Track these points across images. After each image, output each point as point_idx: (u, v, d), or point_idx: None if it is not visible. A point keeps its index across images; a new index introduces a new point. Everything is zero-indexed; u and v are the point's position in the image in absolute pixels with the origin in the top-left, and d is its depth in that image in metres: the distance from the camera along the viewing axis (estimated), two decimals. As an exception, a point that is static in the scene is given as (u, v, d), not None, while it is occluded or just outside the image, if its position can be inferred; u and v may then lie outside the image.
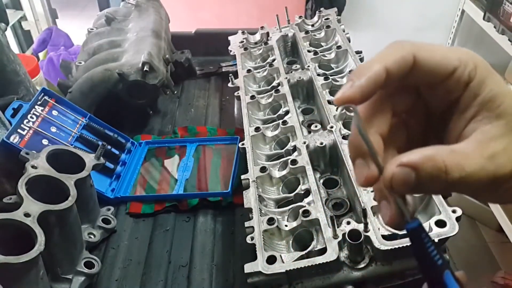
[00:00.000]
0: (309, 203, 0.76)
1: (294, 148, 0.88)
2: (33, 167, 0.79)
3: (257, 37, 1.29)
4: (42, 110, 1.01)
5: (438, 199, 0.68)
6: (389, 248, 0.64)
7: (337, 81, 1.03)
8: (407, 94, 0.38)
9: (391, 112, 0.37)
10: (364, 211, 0.67)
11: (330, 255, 0.65)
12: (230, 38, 1.31)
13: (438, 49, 0.35)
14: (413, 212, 0.35)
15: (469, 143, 0.34)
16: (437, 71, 0.35)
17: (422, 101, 0.39)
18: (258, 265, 0.66)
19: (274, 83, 1.08)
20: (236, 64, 1.20)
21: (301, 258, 0.67)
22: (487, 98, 0.34)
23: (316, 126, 0.93)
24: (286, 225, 0.74)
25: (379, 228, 0.67)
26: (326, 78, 1.02)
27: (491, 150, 0.33)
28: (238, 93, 1.07)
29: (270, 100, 1.03)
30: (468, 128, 0.35)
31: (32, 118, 0.98)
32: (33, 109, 0.99)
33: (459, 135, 0.36)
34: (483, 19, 2.15)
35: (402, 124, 0.40)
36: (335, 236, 0.67)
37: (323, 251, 0.67)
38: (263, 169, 0.84)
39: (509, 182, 0.33)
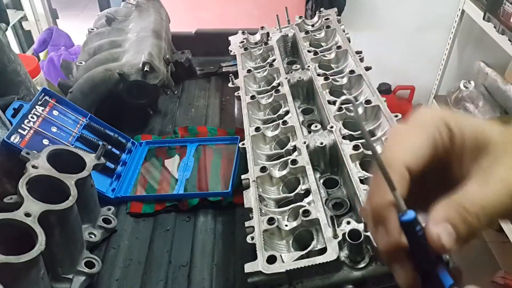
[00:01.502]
0: (309, 203, 0.76)
1: (294, 148, 0.88)
2: (33, 167, 0.79)
3: (257, 37, 1.29)
4: (42, 110, 1.01)
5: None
6: (389, 247, 0.64)
7: (337, 81, 1.03)
8: None
9: None
10: (364, 211, 0.67)
11: (330, 255, 0.65)
12: (230, 38, 1.31)
13: (407, 145, 0.39)
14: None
15: (472, 181, 0.38)
16: (421, 162, 0.39)
17: None
18: (258, 265, 0.66)
19: (274, 83, 1.08)
20: (236, 64, 1.20)
21: (301, 257, 0.67)
22: (472, 144, 0.39)
23: (316, 126, 0.93)
24: (286, 225, 0.74)
25: (379, 228, 0.67)
26: (326, 78, 1.02)
27: (496, 174, 0.37)
28: (238, 93, 1.07)
29: (270, 100, 1.03)
30: (468, 170, 0.39)
31: (33, 118, 0.98)
32: (34, 109, 0.99)
33: (463, 176, 0.39)
34: (483, 19, 2.15)
35: None
36: (335, 236, 0.67)
37: (323, 250, 0.67)
38: (263, 169, 0.84)
39: None
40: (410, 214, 0.35)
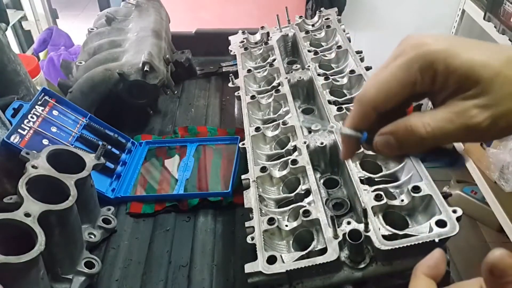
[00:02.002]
0: (309, 203, 0.75)
1: (295, 148, 0.88)
2: (33, 167, 0.79)
3: (258, 37, 1.29)
4: (42, 110, 1.01)
5: (438, 199, 0.68)
6: (390, 248, 0.63)
7: (338, 81, 1.02)
8: None
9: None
10: (364, 211, 0.67)
11: (330, 255, 0.65)
12: (230, 38, 1.31)
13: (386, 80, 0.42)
14: None
15: (439, 108, 0.40)
16: (393, 102, 0.42)
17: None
18: (259, 265, 0.66)
19: (275, 83, 1.08)
20: (236, 64, 1.20)
21: (302, 258, 0.67)
22: (460, 82, 0.39)
23: (316, 126, 0.93)
24: (286, 225, 0.74)
25: (379, 228, 0.67)
26: (326, 78, 1.02)
27: (461, 107, 0.39)
28: (238, 93, 1.07)
29: (270, 100, 1.03)
30: (445, 101, 0.41)
31: (33, 118, 0.98)
32: (34, 109, 0.99)
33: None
34: (484, 19, 2.15)
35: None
36: (335, 236, 0.67)
37: (323, 251, 0.67)
38: (263, 169, 0.84)
39: (488, 131, 0.38)
40: (364, 135, 0.44)
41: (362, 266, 0.67)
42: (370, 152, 0.82)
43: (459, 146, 2.26)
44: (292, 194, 0.80)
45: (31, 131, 0.96)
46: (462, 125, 0.38)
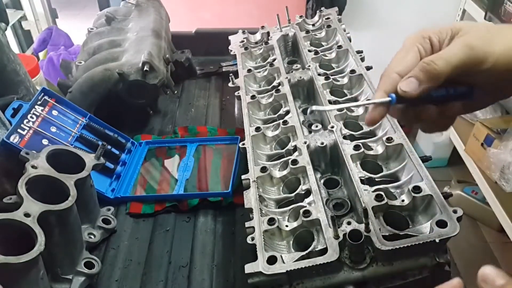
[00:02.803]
0: (309, 203, 0.75)
1: (295, 148, 0.87)
2: (33, 167, 0.79)
3: (258, 36, 1.28)
4: (42, 110, 1.01)
5: (439, 199, 0.68)
6: (390, 248, 0.63)
7: (338, 80, 1.02)
8: None
9: None
10: (365, 211, 0.66)
11: (331, 256, 0.65)
12: (230, 37, 1.30)
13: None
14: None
15: (444, 49, 0.54)
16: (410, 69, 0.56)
17: None
18: (259, 266, 0.66)
19: (275, 83, 1.08)
20: (236, 64, 1.20)
21: (302, 258, 0.67)
22: (449, 35, 0.55)
23: (316, 126, 0.93)
24: (286, 225, 0.74)
25: (380, 229, 0.67)
26: (326, 78, 1.02)
27: (466, 41, 0.52)
28: (238, 93, 1.07)
29: (270, 100, 1.03)
30: None
31: (32, 118, 0.98)
32: (33, 109, 0.99)
33: None
34: (484, 18, 2.14)
35: None
36: (336, 236, 0.67)
37: (324, 251, 0.66)
38: (263, 169, 0.84)
39: (484, 63, 0.52)
40: (391, 96, 0.53)
41: (362, 266, 0.66)
42: (371, 153, 0.83)
43: (460, 147, 2.26)
44: (292, 194, 0.80)
45: (31, 131, 0.96)
46: (466, 55, 0.51)
